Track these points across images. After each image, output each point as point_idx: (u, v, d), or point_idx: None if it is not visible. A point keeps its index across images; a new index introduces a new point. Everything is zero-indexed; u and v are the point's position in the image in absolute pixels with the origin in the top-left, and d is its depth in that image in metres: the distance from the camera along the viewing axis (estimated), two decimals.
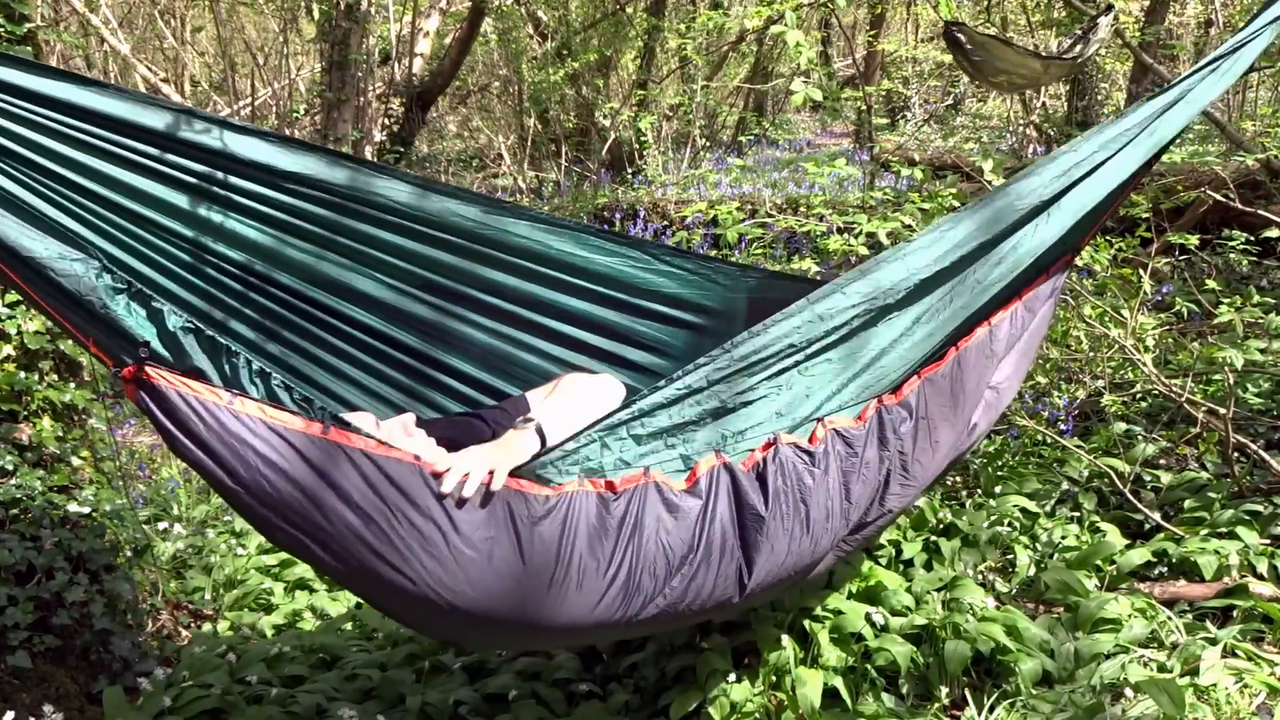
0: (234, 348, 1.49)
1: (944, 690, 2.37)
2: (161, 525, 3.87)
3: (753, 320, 2.40)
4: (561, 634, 1.92)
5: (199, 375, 1.45)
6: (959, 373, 2.10)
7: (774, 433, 1.83)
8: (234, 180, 2.00)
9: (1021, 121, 8.47)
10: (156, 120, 1.88)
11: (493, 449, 1.73)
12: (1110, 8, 4.10)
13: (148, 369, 1.43)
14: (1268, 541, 2.84)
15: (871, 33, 12.28)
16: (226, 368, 1.47)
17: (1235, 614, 2.58)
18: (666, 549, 1.68)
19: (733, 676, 2.37)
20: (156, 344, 1.44)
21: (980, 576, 2.84)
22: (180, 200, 1.97)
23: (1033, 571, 2.86)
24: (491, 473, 1.59)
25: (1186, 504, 3.16)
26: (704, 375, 1.75)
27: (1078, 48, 4.02)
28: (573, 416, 1.88)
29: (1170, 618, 2.53)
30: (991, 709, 2.28)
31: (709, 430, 1.79)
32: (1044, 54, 4.07)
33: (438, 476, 1.55)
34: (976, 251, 2.00)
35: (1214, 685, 2.21)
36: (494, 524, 1.57)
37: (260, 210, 2.05)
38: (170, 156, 1.93)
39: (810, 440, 1.86)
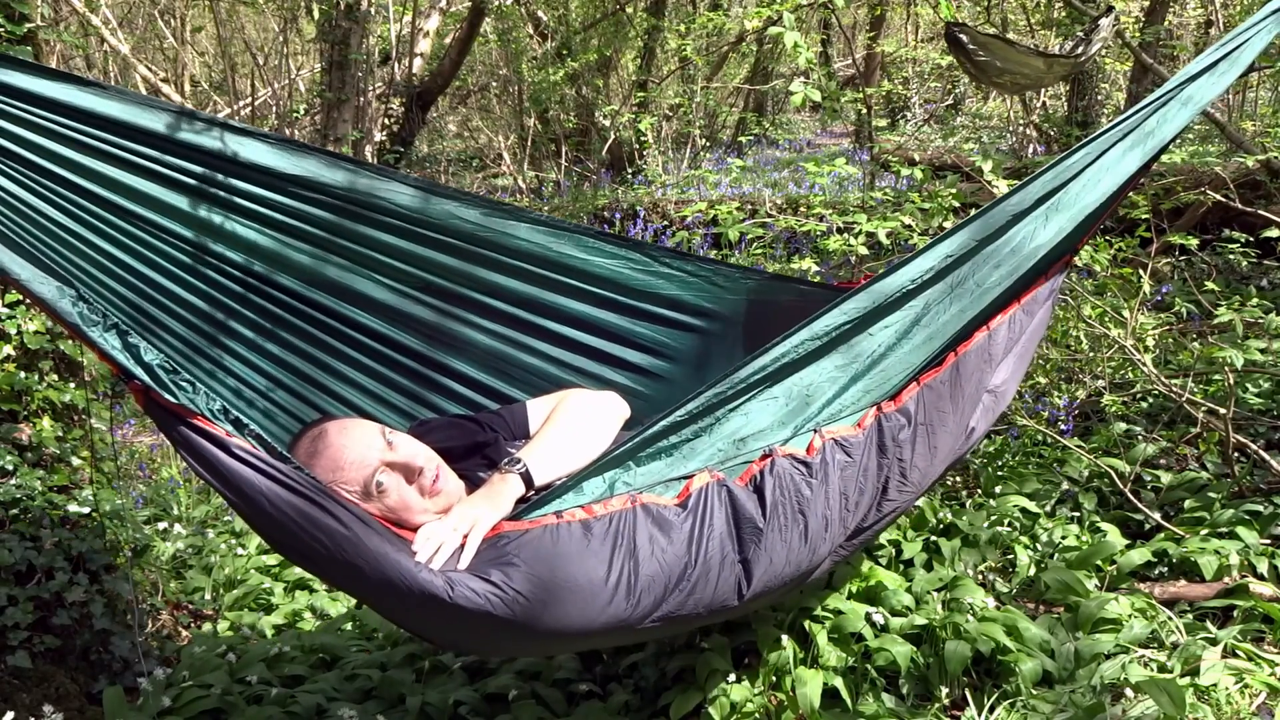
0: (204, 381, 1.52)
1: (944, 690, 2.37)
2: (161, 525, 3.87)
3: (752, 322, 2.40)
4: (562, 646, 2.11)
5: (182, 407, 1.48)
6: (958, 378, 2.09)
7: (771, 445, 1.82)
8: (234, 183, 1.99)
9: (1021, 121, 8.47)
10: (156, 122, 1.87)
11: (476, 503, 1.72)
12: (1110, 9, 4.12)
13: (151, 394, 1.48)
14: (1268, 541, 2.84)
15: (871, 33, 12.30)
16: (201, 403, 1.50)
17: (1235, 614, 2.58)
18: (663, 565, 1.66)
19: (733, 676, 2.37)
20: (139, 372, 1.47)
21: (980, 576, 2.84)
22: (180, 202, 1.96)
23: (1033, 571, 2.86)
24: (467, 535, 1.62)
25: (1186, 504, 3.16)
26: (705, 400, 1.75)
27: (1080, 47, 4.03)
28: (566, 451, 1.85)
29: (1170, 618, 2.54)
30: (991, 709, 2.28)
31: (706, 446, 1.78)
32: (1047, 52, 4.08)
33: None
34: (975, 250, 2.00)
35: (1214, 685, 2.21)
36: (478, 579, 1.56)
37: (260, 212, 2.04)
38: (170, 158, 1.91)
39: (808, 450, 1.85)
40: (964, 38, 3.97)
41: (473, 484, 1.86)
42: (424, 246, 2.18)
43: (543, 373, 2.37)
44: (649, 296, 2.39)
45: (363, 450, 1.76)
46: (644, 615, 1.65)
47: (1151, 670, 2.32)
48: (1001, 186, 3.55)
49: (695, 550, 1.69)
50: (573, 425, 1.93)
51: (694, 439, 1.78)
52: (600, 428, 1.95)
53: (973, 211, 2.06)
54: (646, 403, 2.34)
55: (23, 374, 2.77)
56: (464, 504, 1.73)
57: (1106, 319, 3.69)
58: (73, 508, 2.76)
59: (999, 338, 2.17)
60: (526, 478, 1.77)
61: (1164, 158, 2.59)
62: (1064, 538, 2.99)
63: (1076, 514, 3.21)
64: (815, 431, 1.87)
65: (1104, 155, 2.13)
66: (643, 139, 10.27)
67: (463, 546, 1.62)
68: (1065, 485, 3.37)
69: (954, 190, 4.22)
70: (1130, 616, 2.51)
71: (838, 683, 2.33)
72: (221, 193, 1.99)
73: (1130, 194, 2.56)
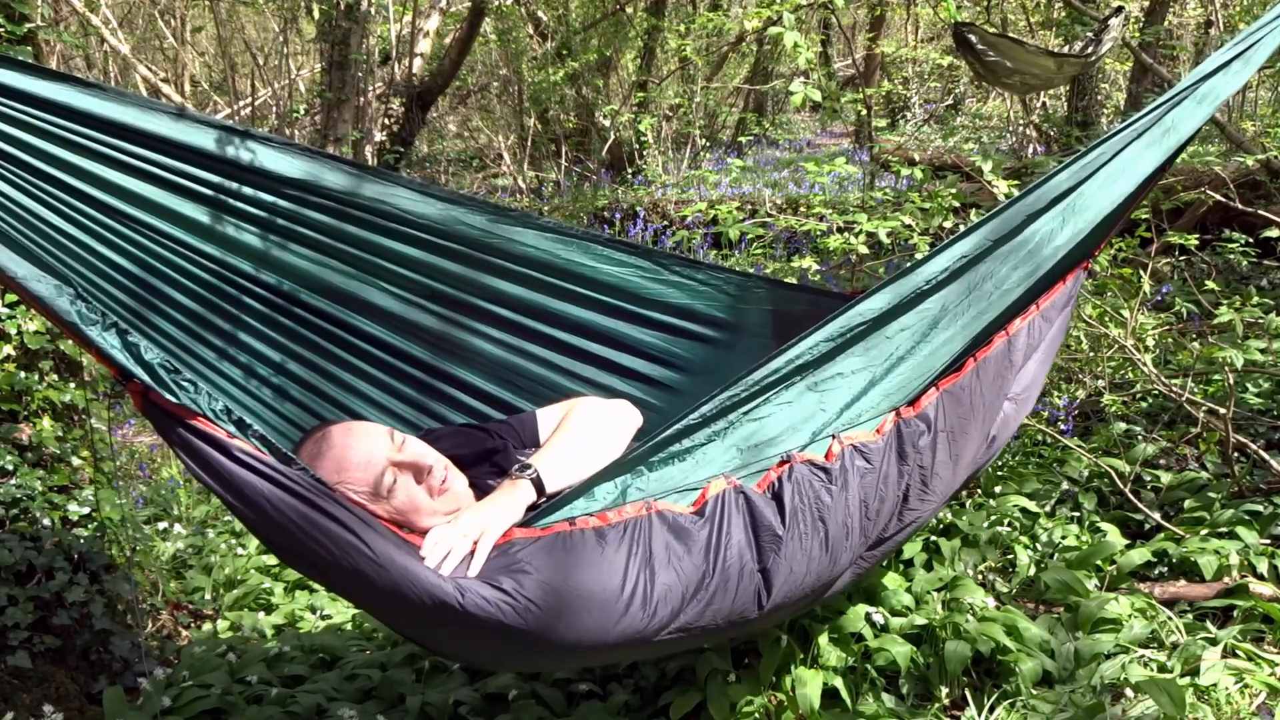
0: (203, 385, 1.51)
1: (944, 690, 2.38)
2: (161, 525, 3.88)
3: (764, 332, 2.39)
4: (575, 660, 2.05)
5: (183, 408, 1.47)
6: (977, 384, 2.04)
7: (788, 451, 1.79)
8: (235, 186, 1.97)
9: (1021, 121, 8.47)
10: (156, 124, 1.86)
11: (486, 508, 1.69)
12: (1120, 9, 4.10)
13: (150, 395, 1.46)
14: (1268, 541, 2.84)
15: (871, 34, 12.30)
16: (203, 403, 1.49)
17: (1235, 614, 2.58)
18: (680, 575, 1.63)
19: (733, 676, 2.37)
20: (139, 372, 1.46)
21: (980, 576, 2.84)
22: (180, 206, 1.94)
23: (1033, 571, 2.86)
24: (477, 541, 1.60)
25: (1186, 504, 3.16)
26: (719, 403, 1.72)
27: (1091, 47, 4.01)
28: (577, 459, 1.83)
29: (1170, 618, 2.54)
30: (991, 709, 2.28)
31: (721, 451, 1.75)
32: (1057, 52, 4.06)
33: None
34: (991, 250, 1.96)
35: (1214, 685, 2.21)
36: (489, 586, 1.54)
37: (262, 217, 2.02)
38: (170, 161, 1.90)
39: (826, 456, 1.81)
40: (973, 38, 3.95)
41: (482, 492, 1.84)
42: (430, 253, 2.16)
43: (550, 382, 2.33)
44: (659, 305, 2.35)
45: (369, 450, 1.74)
46: (661, 626, 1.61)
47: (1151, 670, 2.32)
48: (1001, 186, 3.54)
49: (713, 559, 1.65)
50: (585, 432, 1.91)
51: (708, 443, 1.74)
52: (613, 435, 1.93)
53: (974, 211, 2.04)
54: (657, 414, 2.28)
55: (23, 374, 2.77)
56: (474, 509, 1.70)
57: (1106, 319, 3.69)
58: (73, 508, 2.76)
59: (1019, 343, 2.13)
60: (538, 484, 1.74)
61: None
62: (1064, 538, 2.99)
63: (1076, 514, 3.21)
64: (833, 437, 1.83)
65: (1120, 154, 2.09)
66: (643, 139, 10.26)
67: (473, 553, 1.58)
68: (1065, 485, 3.37)
69: (954, 190, 4.21)
70: (1130, 616, 2.52)
71: (838, 683, 2.33)
72: (223, 196, 1.97)
73: (1145, 198, 2.50)
